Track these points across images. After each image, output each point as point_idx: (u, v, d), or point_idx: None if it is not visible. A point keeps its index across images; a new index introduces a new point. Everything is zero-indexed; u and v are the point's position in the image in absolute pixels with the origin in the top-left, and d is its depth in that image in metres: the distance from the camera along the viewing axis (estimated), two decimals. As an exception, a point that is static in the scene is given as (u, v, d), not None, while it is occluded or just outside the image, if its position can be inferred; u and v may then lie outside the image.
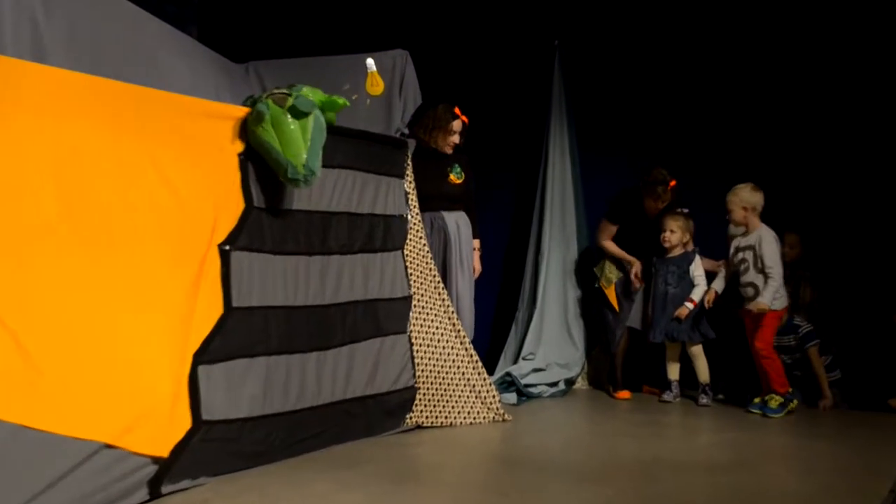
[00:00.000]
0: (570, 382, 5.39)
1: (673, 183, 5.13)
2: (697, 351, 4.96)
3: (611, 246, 5.35)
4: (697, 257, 5.03)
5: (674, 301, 5.00)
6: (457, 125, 4.71)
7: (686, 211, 5.11)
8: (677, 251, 5.03)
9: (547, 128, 5.80)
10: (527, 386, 5.14)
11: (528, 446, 3.77)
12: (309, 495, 2.88)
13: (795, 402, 4.54)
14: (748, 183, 4.68)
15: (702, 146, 5.51)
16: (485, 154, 5.71)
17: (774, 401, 4.49)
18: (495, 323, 5.96)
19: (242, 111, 3.31)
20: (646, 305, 5.26)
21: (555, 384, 5.29)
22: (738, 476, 3.20)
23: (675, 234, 5.06)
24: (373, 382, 3.86)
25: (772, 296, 4.52)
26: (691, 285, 5.00)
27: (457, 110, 4.70)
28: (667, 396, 5.00)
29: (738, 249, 4.71)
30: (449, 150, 4.72)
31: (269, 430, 3.31)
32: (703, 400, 4.85)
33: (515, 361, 5.44)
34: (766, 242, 4.58)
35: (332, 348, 3.67)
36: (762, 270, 4.56)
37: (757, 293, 4.57)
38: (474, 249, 4.86)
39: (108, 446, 2.66)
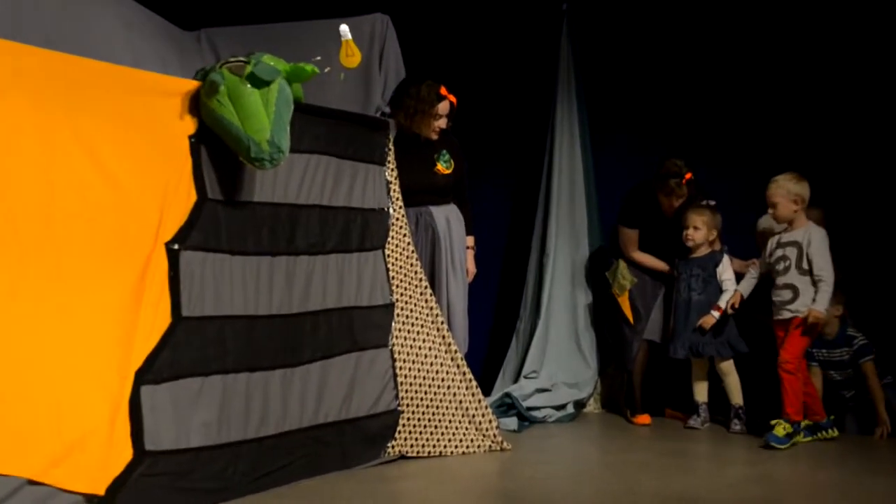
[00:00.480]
0: (579, 405, 5.39)
1: (689, 176, 5.12)
2: (728, 368, 4.92)
3: (643, 257, 5.36)
4: (726, 257, 5.00)
5: (699, 309, 4.97)
6: (443, 107, 4.68)
7: (713, 203, 5.10)
8: (702, 251, 5.03)
9: (553, 106, 5.79)
10: (529, 409, 5.14)
11: (530, 480, 3.76)
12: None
13: (802, 434, 4.50)
14: (791, 172, 4.63)
15: (731, 125, 5.55)
16: (480, 138, 5.72)
17: (781, 427, 4.41)
18: (493, 335, 5.97)
19: (193, 85, 3.29)
20: (667, 315, 5.24)
21: (562, 407, 5.29)
22: None
23: (700, 230, 5.05)
24: (349, 405, 3.86)
25: (826, 303, 4.47)
26: (719, 290, 4.98)
27: (443, 90, 4.67)
28: (693, 422, 4.97)
29: (779, 245, 4.65)
30: (434, 137, 4.71)
31: (227, 462, 3.30)
32: (736, 426, 4.81)
33: (516, 381, 5.44)
34: (818, 241, 4.53)
35: (301, 365, 3.68)
36: (807, 272, 4.52)
37: (796, 297, 4.52)
38: (468, 248, 4.86)
39: (32, 483, 2.65)
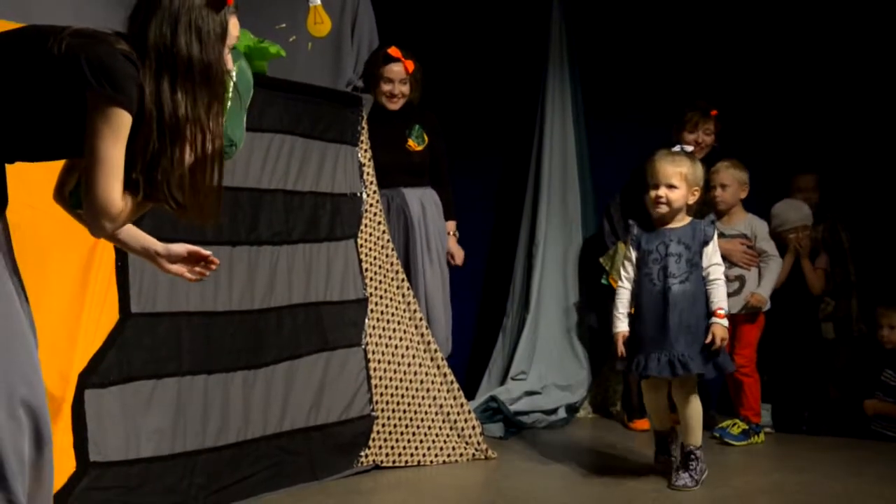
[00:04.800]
0: (572, 409, 5.39)
1: (714, 112, 5.04)
2: (695, 395, 3.98)
3: None
4: (717, 234, 4.06)
5: (683, 307, 3.88)
6: (392, 71, 4.56)
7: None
8: (680, 219, 3.96)
9: (543, 83, 5.79)
10: (517, 414, 5.14)
11: (517, 491, 3.75)
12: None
13: (762, 434, 4.74)
14: (736, 160, 4.96)
15: (734, 106, 5.52)
16: (464, 117, 5.72)
17: (737, 427, 4.68)
18: (477, 333, 5.99)
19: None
20: None
21: (553, 412, 5.28)
22: None
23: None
24: (318, 411, 3.88)
25: (772, 287, 4.81)
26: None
27: (392, 50, 4.56)
28: (683, 480, 3.91)
29: (721, 237, 4.80)
30: (390, 105, 4.60)
31: (182, 474, 3.31)
32: (684, 479, 3.84)
33: (503, 383, 5.45)
34: (764, 231, 4.91)
35: (265, 367, 3.69)
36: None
37: (742, 286, 4.81)
38: (449, 234, 4.85)
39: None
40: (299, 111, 3.84)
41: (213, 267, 2.64)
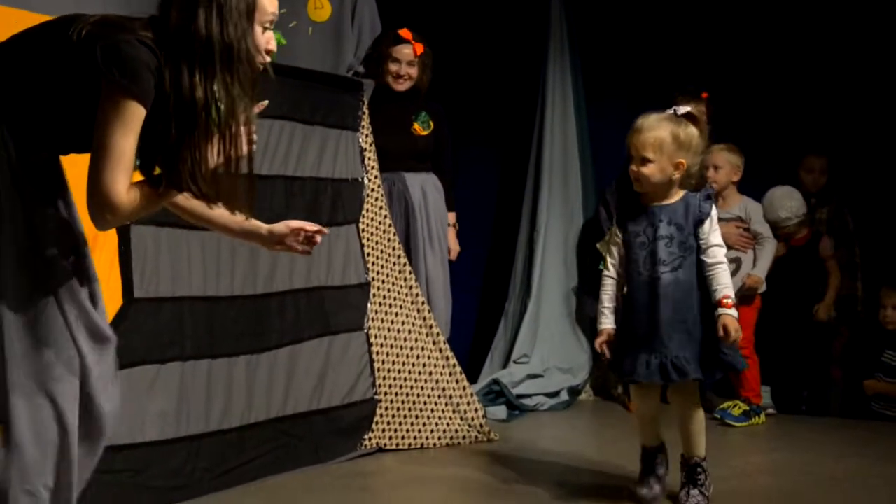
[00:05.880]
0: (574, 392, 5.40)
1: (705, 95, 5.05)
2: (697, 401, 3.42)
3: None
4: (714, 209, 3.34)
5: (677, 297, 3.25)
6: (401, 52, 4.57)
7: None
8: (673, 195, 3.29)
9: (544, 67, 5.77)
10: (519, 397, 5.14)
11: (520, 474, 3.75)
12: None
13: (763, 415, 4.78)
14: (731, 144, 4.94)
15: (736, 91, 5.55)
16: (464, 102, 5.70)
17: (738, 408, 4.72)
18: (479, 317, 5.98)
19: None
20: None
21: (555, 394, 5.30)
22: None
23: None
24: (320, 394, 3.90)
25: (767, 268, 4.86)
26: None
27: (404, 32, 4.57)
28: (647, 491, 3.41)
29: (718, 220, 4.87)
30: (396, 86, 4.60)
31: (186, 457, 3.33)
32: (694, 498, 3.31)
33: (505, 366, 5.45)
34: (759, 213, 4.95)
35: (267, 351, 3.71)
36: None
37: (738, 268, 4.82)
38: (450, 226, 4.83)
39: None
40: (300, 97, 3.84)
41: (318, 240, 2.62)
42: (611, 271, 3.37)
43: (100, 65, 2.12)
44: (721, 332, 3.12)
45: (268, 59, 2.33)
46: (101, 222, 2.21)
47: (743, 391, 4.78)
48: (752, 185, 5.10)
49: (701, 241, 3.21)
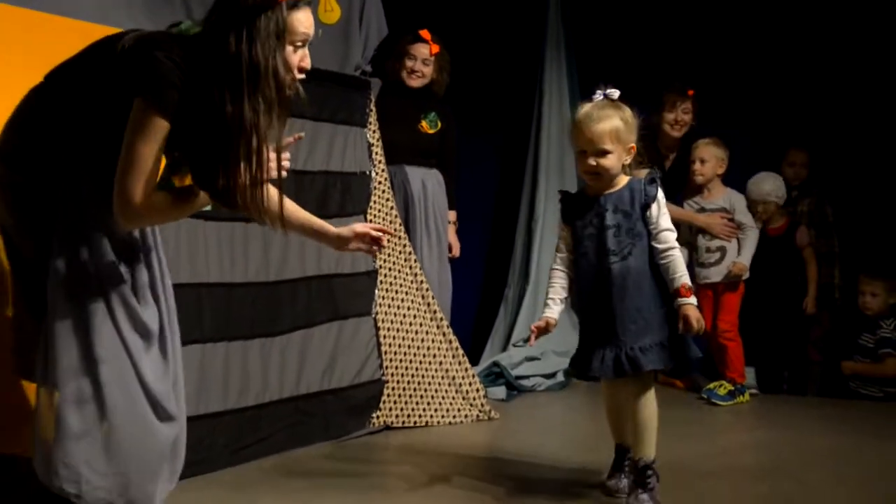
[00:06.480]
0: (569, 374, 5.36)
1: (691, 92, 5.13)
2: (652, 395, 3.06)
3: (670, 208, 5.18)
4: (661, 193, 3.05)
5: (630, 284, 2.98)
6: (419, 50, 4.61)
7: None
8: (619, 181, 3.03)
9: (541, 65, 5.82)
10: (518, 378, 5.19)
11: (519, 450, 3.79)
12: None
13: (747, 394, 4.86)
14: (713, 137, 5.02)
15: (727, 85, 5.61)
16: (466, 97, 5.66)
17: (724, 388, 4.81)
18: (481, 303, 6.01)
19: None
20: None
21: (552, 376, 5.34)
22: (773, 485, 3.27)
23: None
24: (331, 375, 3.92)
25: (751, 256, 4.90)
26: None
27: (423, 32, 4.63)
28: (616, 482, 3.22)
29: (703, 211, 5.02)
30: (411, 82, 4.63)
31: (205, 433, 3.34)
32: (643, 500, 2.98)
33: (504, 349, 5.50)
34: (742, 204, 5.00)
35: (281, 334, 3.72)
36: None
37: (724, 257, 4.92)
38: (450, 223, 4.83)
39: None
40: (311, 94, 3.71)
41: (385, 242, 2.72)
42: (559, 265, 3.12)
43: (130, 79, 2.20)
44: (682, 325, 2.88)
45: (301, 76, 2.34)
46: (123, 222, 2.28)
47: (728, 372, 4.86)
48: (736, 178, 5.13)
49: (651, 227, 2.96)
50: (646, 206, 2.96)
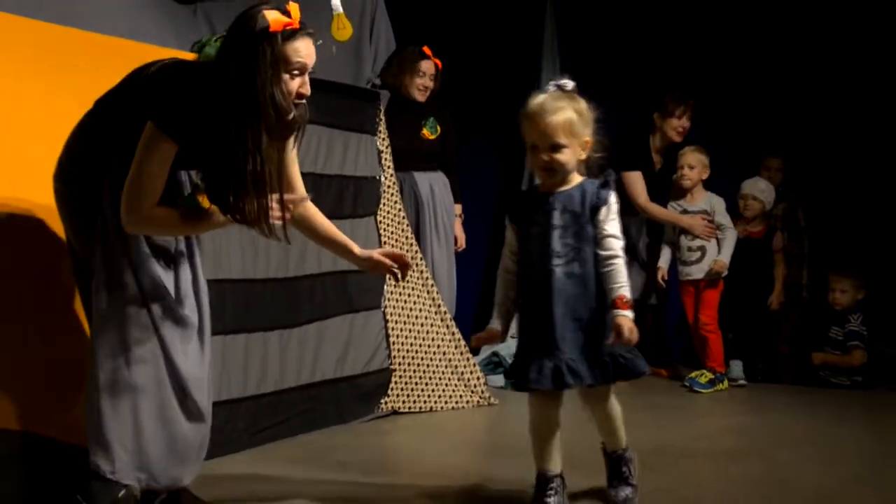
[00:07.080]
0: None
1: (691, 102, 5.27)
2: (613, 399, 2.90)
3: (656, 209, 5.33)
4: (613, 197, 2.73)
5: (571, 295, 2.70)
6: (426, 66, 4.77)
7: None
8: (571, 180, 2.75)
9: (538, 70, 5.93)
10: (515, 367, 5.28)
11: (515, 433, 3.63)
12: (273, 488, 3.02)
13: (726, 382, 5.01)
14: (696, 145, 5.17)
15: (718, 92, 5.71)
16: (467, 105, 5.83)
17: (705, 377, 4.97)
18: (482, 297, 6.02)
19: (189, 58, 3.28)
20: (650, 269, 5.46)
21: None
22: (749, 465, 3.36)
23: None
24: (343, 364, 4.03)
25: (730, 255, 5.04)
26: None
27: (426, 49, 4.78)
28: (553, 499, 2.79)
29: (686, 213, 5.18)
30: (419, 97, 4.79)
31: (228, 417, 3.44)
32: (625, 493, 2.89)
33: (503, 340, 5.54)
34: (722, 207, 5.14)
35: (298, 326, 3.82)
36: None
37: (704, 255, 5.07)
38: (456, 216, 4.96)
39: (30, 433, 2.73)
40: (326, 105, 3.88)
41: (406, 269, 2.77)
42: (505, 268, 2.85)
43: (144, 103, 2.34)
44: (614, 335, 2.57)
45: (300, 101, 2.42)
46: (126, 229, 2.41)
47: (709, 362, 5.01)
48: (716, 183, 5.27)
49: (596, 231, 2.66)
50: (595, 209, 2.65)
